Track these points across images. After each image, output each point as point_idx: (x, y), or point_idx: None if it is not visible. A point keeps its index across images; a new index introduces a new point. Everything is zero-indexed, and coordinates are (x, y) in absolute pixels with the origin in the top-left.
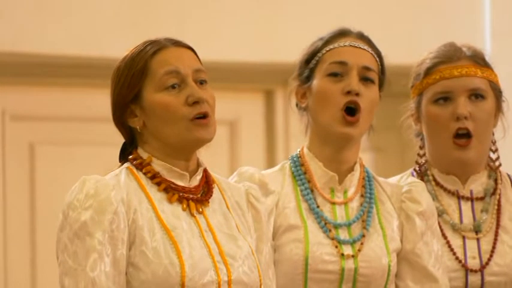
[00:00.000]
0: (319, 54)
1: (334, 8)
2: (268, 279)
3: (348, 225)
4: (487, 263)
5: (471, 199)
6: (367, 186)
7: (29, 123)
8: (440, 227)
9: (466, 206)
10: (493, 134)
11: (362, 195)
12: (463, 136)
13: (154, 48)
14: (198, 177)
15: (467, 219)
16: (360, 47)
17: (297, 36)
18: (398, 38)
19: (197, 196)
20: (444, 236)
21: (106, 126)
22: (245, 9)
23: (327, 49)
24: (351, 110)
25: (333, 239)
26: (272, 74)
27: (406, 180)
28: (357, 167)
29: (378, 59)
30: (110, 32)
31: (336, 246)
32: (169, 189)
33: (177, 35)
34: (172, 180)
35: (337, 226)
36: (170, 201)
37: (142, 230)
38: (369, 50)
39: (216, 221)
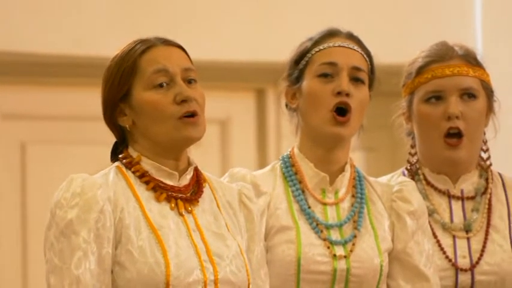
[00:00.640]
0: (309, 55)
1: (326, 7)
2: (260, 279)
3: (340, 226)
4: (477, 262)
5: (462, 198)
6: (357, 186)
7: (21, 122)
8: (430, 226)
9: (456, 206)
10: (484, 134)
11: (353, 196)
12: (454, 135)
13: (143, 46)
14: (188, 176)
15: (458, 218)
16: (350, 47)
17: (289, 35)
18: (389, 37)
19: (186, 195)
20: (434, 236)
21: (98, 125)
22: (236, 9)
23: (317, 50)
24: (342, 111)
25: (324, 239)
26: (263, 73)
27: (396, 179)
28: (348, 168)
29: (367, 58)
30: (103, 31)
31: (328, 247)
32: (158, 188)
33: (169, 35)
34: (161, 179)
35: (328, 227)
36: (158, 200)
37: (129, 229)
38: (359, 50)
39: (205, 220)
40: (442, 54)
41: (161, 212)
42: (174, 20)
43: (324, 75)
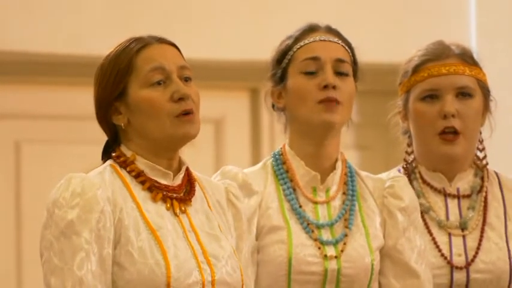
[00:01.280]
0: (291, 53)
1: (320, 6)
2: (248, 278)
3: (330, 225)
4: (472, 260)
5: (458, 197)
6: (349, 183)
7: (15, 122)
8: (426, 224)
9: (452, 204)
10: (480, 133)
11: (344, 193)
12: (450, 132)
13: (138, 45)
14: (181, 176)
15: (454, 216)
16: (331, 40)
17: (282, 34)
18: (384, 36)
19: (180, 195)
20: (430, 233)
21: (92, 124)
22: (230, 8)
23: (298, 46)
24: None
25: (315, 240)
26: (257, 72)
27: (389, 175)
28: (339, 165)
29: (349, 50)
30: (96, 31)
31: (319, 248)
32: (153, 188)
33: (162, 34)
34: (156, 179)
35: (319, 226)
36: (154, 200)
37: (128, 230)
38: (340, 42)
39: (198, 220)
40: (439, 53)
41: (158, 213)
42: (168, 19)
43: (309, 71)
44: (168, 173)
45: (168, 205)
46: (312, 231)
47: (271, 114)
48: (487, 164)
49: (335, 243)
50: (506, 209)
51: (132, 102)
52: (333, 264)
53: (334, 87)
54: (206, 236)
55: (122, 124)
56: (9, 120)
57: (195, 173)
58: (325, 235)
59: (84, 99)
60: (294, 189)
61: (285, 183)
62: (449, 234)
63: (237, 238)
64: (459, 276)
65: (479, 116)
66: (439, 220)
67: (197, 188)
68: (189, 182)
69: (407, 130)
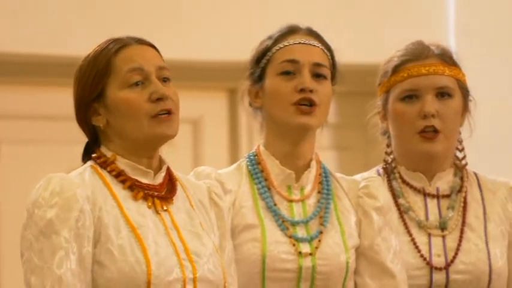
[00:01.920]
0: (270, 53)
1: (298, 7)
2: (230, 276)
3: (306, 222)
4: (452, 261)
5: (437, 196)
6: (324, 182)
7: None
8: (405, 224)
9: (432, 204)
10: (460, 133)
11: (319, 192)
12: (430, 132)
13: (117, 46)
14: (162, 175)
15: (433, 216)
16: (310, 44)
17: (260, 34)
18: (363, 37)
19: (162, 194)
20: (409, 233)
21: (72, 124)
22: (208, 8)
23: (277, 48)
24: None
25: (290, 237)
26: (235, 72)
27: (363, 176)
28: (313, 164)
29: (328, 53)
30: (76, 31)
31: (294, 245)
32: (134, 187)
33: (141, 35)
34: (137, 178)
35: (294, 224)
36: (135, 198)
37: (108, 228)
38: (319, 45)
39: (180, 218)
40: (418, 53)
41: (139, 211)
42: (146, 20)
43: (286, 73)
44: (149, 171)
45: (150, 203)
46: (287, 228)
47: (249, 115)
48: (466, 164)
49: (310, 241)
50: (486, 209)
51: (110, 103)
52: (307, 262)
53: (311, 91)
54: (188, 233)
55: (101, 125)
56: None
57: (176, 173)
58: (300, 232)
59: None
60: (269, 188)
61: (260, 182)
62: (429, 235)
63: (220, 237)
64: (438, 277)
65: (458, 116)
66: (419, 220)
67: (179, 187)
68: (170, 181)
69: (387, 130)
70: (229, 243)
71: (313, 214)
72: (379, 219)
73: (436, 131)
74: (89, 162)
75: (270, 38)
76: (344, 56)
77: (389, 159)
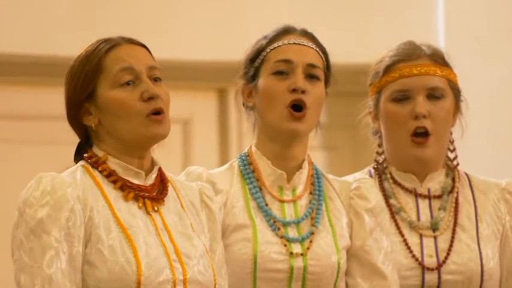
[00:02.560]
0: (264, 53)
1: (288, 7)
2: (221, 278)
3: (297, 223)
4: (444, 262)
5: (429, 197)
6: (315, 183)
7: None
8: (397, 224)
9: (423, 204)
10: (451, 134)
11: (311, 193)
12: (421, 134)
13: (108, 45)
14: (153, 176)
15: (425, 217)
16: (304, 44)
17: (250, 34)
18: (352, 38)
19: (153, 194)
20: (401, 234)
21: (57, 124)
22: (198, 8)
23: (271, 48)
24: (297, 107)
25: (281, 237)
26: (225, 72)
27: (355, 177)
28: (305, 165)
29: (322, 55)
30: (64, 31)
31: (285, 245)
32: (125, 188)
33: (130, 34)
34: (128, 179)
35: (286, 224)
36: (126, 199)
37: (98, 228)
38: (313, 46)
39: (171, 219)
40: (410, 54)
41: (130, 211)
42: (135, 19)
43: (279, 73)
44: (140, 172)
45: (140, 204)
46: (278, 228)
47: (239, 114)
48: (457, 164)
49: (301, 241)
50: (478, 210)
51: (101, 103)
52: (299, 262)
53: (303, 92)
54: (179, 234)
55: (93, 125)
56: None
57: (168, 174)
58: (292, 233)
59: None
60: (260, 189)
61: (251, 182)
62: (421, 235)
63: (210, 239)
64: (430, 278)
65: (450, 117)
66: (411, 221)
67: (170, 188)
68: (162, 182)
69: (378, 130)
70: (220, 245)
71: (304, 215)
72: (370, 220)
73: (427, 133)
74: (81, 162)
75: (264, 37)
76: (333, 56)
77: (380, 159)
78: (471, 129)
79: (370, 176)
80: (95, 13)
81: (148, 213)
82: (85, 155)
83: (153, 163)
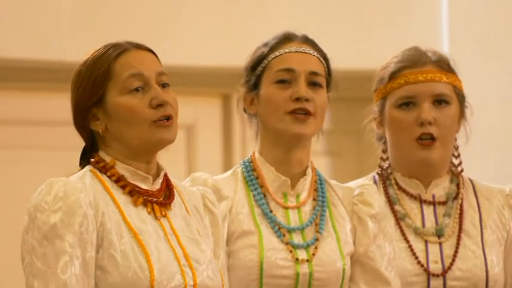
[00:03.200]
0: (265, 61)
1: (292, 13)
2: (224, 283)
3: (302, 229)
4: (449, 268)
5: (433, 203)
6: (319, 189)
7: None
8: (402, 230)
9: (428, 210)
10: (456, 140)
11: (314, 199)
12: (427, 139)
13: (116, 51)
14: (160, 181)
15: (430, 223)
16: (306, 52)
17: (255, 40)
18: (355, 43)
19: (160, 199)
20: (406, 240)
21: (64, 130)
22: (202, 14)
23: (273, 56)
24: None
25: (287, 243)
26: (229, 78)
27: (358, 183)
28: (309, 171)
29: (323, 61)
30: (68, 36)
31: (291, 251)
32: (134, 193)
33: (135, 39)
34: (136, 184)
35: (290, 230)
36: (135, 204)
37: (110, 233)
38: (315, 54)
39: (178, 224)
40: (415, 60)
41: (140, 216)
42: (139, 24)
43: (282, 82)
44: (148, 177)
45: (149, 209)
46: (284, 235)
47: (243, 121)
48: (462, 170)
49: (306, 247)
50: (482, 216)
51: (110, 109)
52: (304, 268)
53: (306, 100)
54: (187, 239)
55: (100, 130)
56: None
57: (172, 179)
58: (296, 239)
59: (56, 105)
60: (265, 195)
61: (256, 189)
62: (426, 242)
63: (214, 244)
64: (436, 284)
65: (455, 123)
66: (416, 227)
67: (175, 193)
68: (168, 187)
69: (383, 136)
70: (222, 250)
71: (309, 221)
72: (374, 226)
73: (433, 138)
74: (88, 167)
75: (265, 45)
76: (337, 62)
77: (384, 165)
78: (475, 135)
79: (375, 182)
80: (99, 18)
81: (157, 218)
82: (92, 159)
83: (159, 168)
